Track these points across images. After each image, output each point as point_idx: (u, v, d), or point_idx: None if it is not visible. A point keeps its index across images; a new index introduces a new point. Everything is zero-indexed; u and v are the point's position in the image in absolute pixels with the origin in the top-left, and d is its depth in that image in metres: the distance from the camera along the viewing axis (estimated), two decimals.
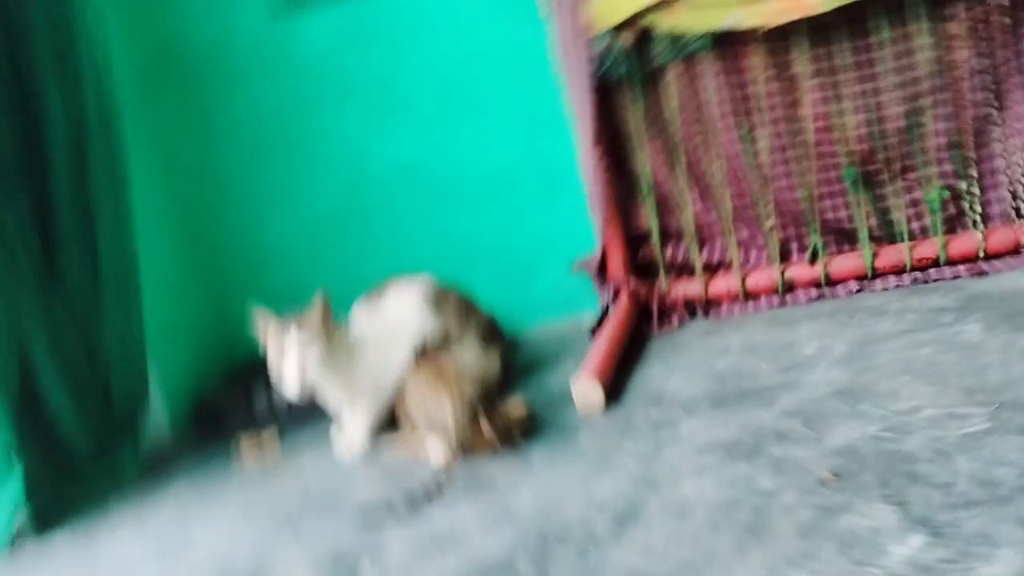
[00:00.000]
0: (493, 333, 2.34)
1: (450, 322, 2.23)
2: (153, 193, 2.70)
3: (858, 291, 2.41)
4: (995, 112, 2.32)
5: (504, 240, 2.84)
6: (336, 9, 2.81)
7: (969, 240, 2.34)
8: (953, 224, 2.40)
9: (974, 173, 2.36)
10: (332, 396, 2.14)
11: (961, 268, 2.33)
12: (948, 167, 2.37)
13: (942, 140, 2.36)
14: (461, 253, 2.84)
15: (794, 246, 2.54)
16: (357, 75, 2.81)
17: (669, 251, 2.63)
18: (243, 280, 2.99)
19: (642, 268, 2.66)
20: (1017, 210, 2.33)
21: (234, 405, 2.59)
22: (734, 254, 2.57)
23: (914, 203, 2.42)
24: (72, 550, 1.97)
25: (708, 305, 2.57)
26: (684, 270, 2.64)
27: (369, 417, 2.15)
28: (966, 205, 2.38)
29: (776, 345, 2.17)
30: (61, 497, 2.10)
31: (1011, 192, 2.34)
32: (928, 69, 2.32)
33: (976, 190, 2.36)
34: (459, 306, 2.28)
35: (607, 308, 2.58)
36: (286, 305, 2.85)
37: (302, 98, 2.86)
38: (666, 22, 2.40)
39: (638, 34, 2.46)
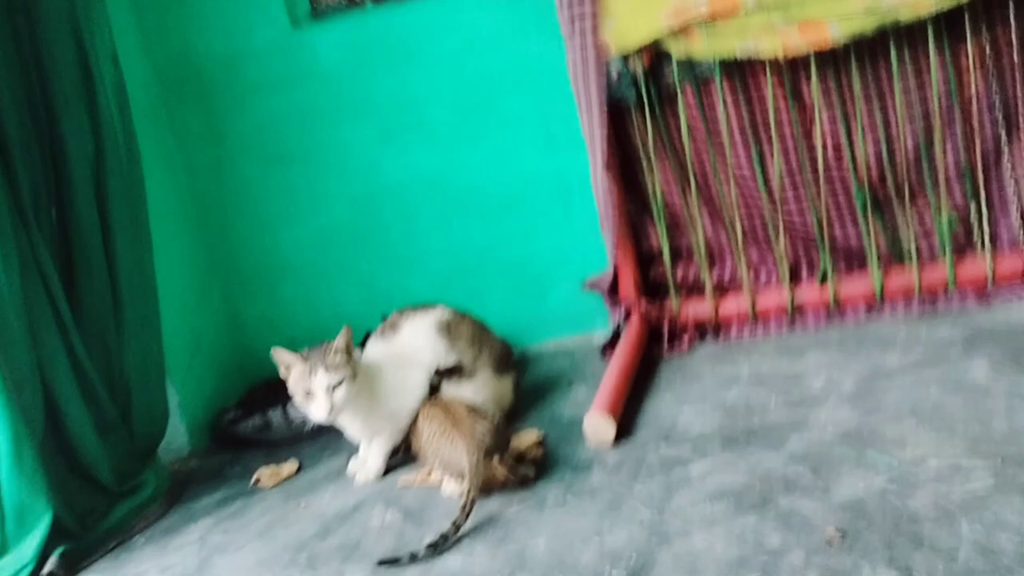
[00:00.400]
0: (506, 359, 2.38)
1: (464, 351, 2.27)
2: (169, 208, 2.74)
3: (867, 316, 2.44)
4: (1005, 140, 2.33)
5: (518, 255, 2.88)
6: (354, 23, 2.84)
7: (977, 266, 2.37)
8: (962, 250, 2.42)
9: (984, 200, 2.38)
10: (350, 424, 2.18)
11: (969, 294, 2.36)
12: (958, 194, 2.39)
13: (953, 167, 2.38)
14: (475, 268, 2.89)
15: (804, 268, 2.57)
16: (374, 89, 2.84)
17: (680, 271, 2.67)
18: (259, 294, 3.04)
19: (653, 288, 2.69)
20: None
21: (251, 423, 2.64)
22: (744, 275, 2.60)
23: (924, 228, 2.44)
24: None
25: (718, 327, 2.61)
26: (694, 290, 2.67)
27: (386, 445, 2.20)
28: (975, 231, 2.40)
29: (784, 376, 2.20)
30: (90, 533, 2.14)
31: (1021, 219, 2.36)
32: (941, 97, 2.33)
33: (985, 217, 2.38)
34: (473, 334, 2.31)
35: (618, 328, 2.62)
36: (302, 321, 2.92)
37: (319, 111, 2.88)
38: (682, 48, 2.41)
39: (652, 57, 2.47)
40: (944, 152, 2.36)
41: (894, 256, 2.47)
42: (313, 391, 2.06)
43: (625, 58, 2.47)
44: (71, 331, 2.20)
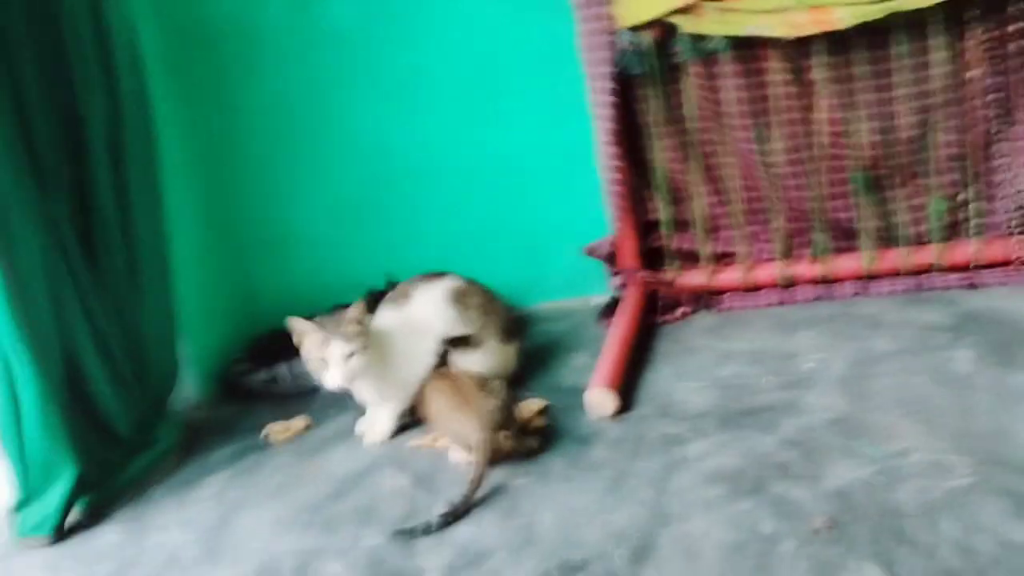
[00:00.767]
0: (512, 327, 2.46)
1: (473, 321, 2.35)
2: (179, 174, 2.75)
3: (855, 295, 2.54)
4: (1003, 128, 2.40)
5: (521, 221, 2.95)
6: None
7: (967, 251, 2.46)
8: (954, 233, 2.51)
9: (978, 185, 2.46)
10: (362, 388, 2.27)
11: (955, 277, 2.46)
12: (954, 178, 2.47)
13: (950, 151, 2.45)
14: (479, 233, 2.95)
15: (799, 243, 2.66)
16: (384, 58, 2.86)
17: (678, 242, 2.74)
18: (267, 256, 3.09)
19: (652, 258, 2.77)
20: (1017, 224, 2.44)
21: (259, 377, 2.72)
22: (741, 247, 2.68)
23: (917, 210, 2.53)
24: (120, 540, 2.09)
25: (713, 296, 2.70)
26: (692, 259, 2.75)
27: (396, 409, 2.29)
28: (968, 216, 2.48)
29: (777, 354, 2.31)
30: (109, 485, 2.23)
31: (1013, 206, 2.44)
32: (942, 83, 2.39)
33: (979, 202, 2.46)
34: (482, 303, 2.39)
35: (617, 295, 2.70)
36: (309, 284, 2.98)
37: (327, 80, 2.90)
38: (691, 25, 2.44)
39: (661, 32, 2.50)
40: (943, 136, 2.43)
41: (887, 237, 2.56)
42: (328, 360, 2.14)
43: (635, 31, 2.50)
44: (89, 291, 2.26)
